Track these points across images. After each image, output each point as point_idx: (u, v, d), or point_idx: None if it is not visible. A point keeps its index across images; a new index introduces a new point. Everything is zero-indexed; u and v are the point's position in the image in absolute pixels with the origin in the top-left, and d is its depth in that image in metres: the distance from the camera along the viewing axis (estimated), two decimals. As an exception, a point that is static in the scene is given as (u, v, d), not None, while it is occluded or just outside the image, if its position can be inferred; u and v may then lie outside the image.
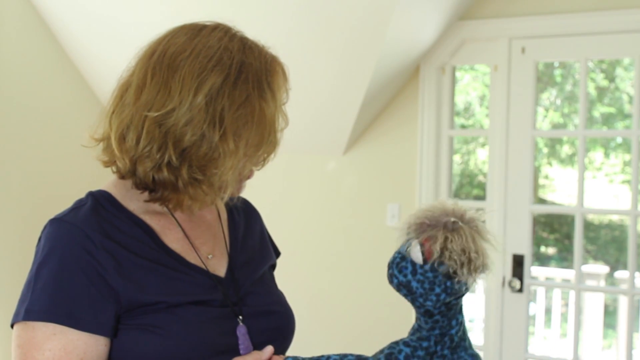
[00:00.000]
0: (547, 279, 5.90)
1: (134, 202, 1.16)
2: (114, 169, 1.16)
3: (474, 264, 1.06)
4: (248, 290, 1.21)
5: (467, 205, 1.13)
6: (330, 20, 2.72)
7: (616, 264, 7.64)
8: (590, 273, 5.96)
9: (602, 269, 6.24)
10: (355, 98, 3.00)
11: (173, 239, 1.16)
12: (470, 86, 8.25)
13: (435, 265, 1.07)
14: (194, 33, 1.15)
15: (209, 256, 1.19)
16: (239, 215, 1.32)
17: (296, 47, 2.84)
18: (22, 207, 3.07)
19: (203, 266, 1.17)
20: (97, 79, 3.34)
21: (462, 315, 1.14)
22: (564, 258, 8.49)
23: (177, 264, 1.14)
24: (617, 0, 2.89)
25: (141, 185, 1.14)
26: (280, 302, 1.27)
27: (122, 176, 1.15)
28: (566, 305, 6.15)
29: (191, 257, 1.16)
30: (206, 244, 1.21)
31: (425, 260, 1.08)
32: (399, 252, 1.12)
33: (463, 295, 1.12)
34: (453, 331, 1.12)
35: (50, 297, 1.04)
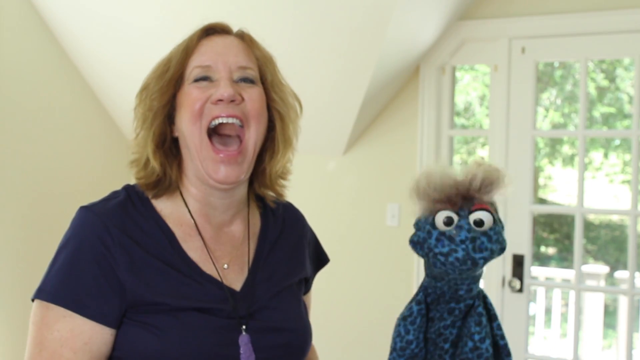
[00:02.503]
0: (547, 279, 5.90)
1: (163, 202, 1.19)
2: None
3: (499, 184, 1.07)
4: (263, 305, 1.19)
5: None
6: (330, 20, 2.72)
7: (616, 264, 7.64)
8: (590, 273, 5.96)
9: (602, 269, 6.24)
10: (355, 98, 3.00)
11: (192, 247, 1.17)
12: (470, 86, 8.25)
13: (496, 217, 1.07)
14: None
15: (224, 266, 1.19)
16: (275, 223, 1.30)
17: (296, 47, 2.84)
18: (22, 207, 3.07)
19: (218, 277, 1.17)
20: (97, 79, 3.34)
21: None
22: (564, 258, 8.49)
23: (191, 272, 1.14)
24: (617, 0, 2.89)
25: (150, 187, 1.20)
26: (296, 319, 1.23)
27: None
28: (566, 305, 6.15)
29: (207, 268, 1.17)
30: (225, 257, 1.20)
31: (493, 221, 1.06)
32: (463, 242, 1.05)
33: None
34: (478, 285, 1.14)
35: (61, 281, 1.08)
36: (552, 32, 3.00)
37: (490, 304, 1.16)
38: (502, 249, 1.08)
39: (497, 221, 1.08)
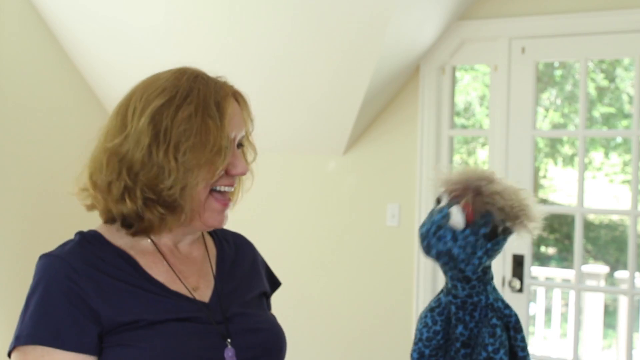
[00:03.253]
0: (547, 279, 5.90)
1: (123, 239, 1.22)
2: (99, 212, 1.23)
3: (524, 214, 1.09)
4: (235, 312, 1.24)
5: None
6: (330, 20, 2.72)
7: (616, 264, 7.64)
8: (590, 273, 5.96)
9: (602, 269, 6.24)
10: (355, 98, 3.00)
11: (158, 272, 1.21)
12: (470, 86, 8.25)
13: (477, 228, 1.09)
14: (156, 76, 1.24)
15: (194, 289, 1.23)
16: (229, 247, 1.38)
17: (296, 47, 2.84)
18: (21, 207, 3.07)
19: (188, 294, 1.21)
20: (97, 79, 3.34)
21: (493, 281, 1.18)
22: (564, 258, 8.49)
23: (160, 290, 1.19)
24: (617, 0, 2.89)
25: (124, 223, 1.20)
26: (269, 322, 1.30)
27: (106, 219, 1.22)
28: (566, 305, 6.15)
29: (175, 287, 1.21)
30: (191, 277, 1.25)
31: (466, 225, 1.09)
32: (433, 223, 1.12)
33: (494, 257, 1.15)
34: (491, 297, 1.15)
35: (36, 322, 1.10)
36: (552, 32, 3.00)
37: (516, 319, 1.17)
38: (466, 264, 1.10)
39: (477, 234, 1.09)
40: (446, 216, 1.11)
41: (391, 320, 3.29)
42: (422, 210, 3.21)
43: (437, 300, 1.18)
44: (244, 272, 1.35)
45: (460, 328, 1.15)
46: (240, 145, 1.26)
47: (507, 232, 1.11)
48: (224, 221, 1.26)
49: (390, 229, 3.28)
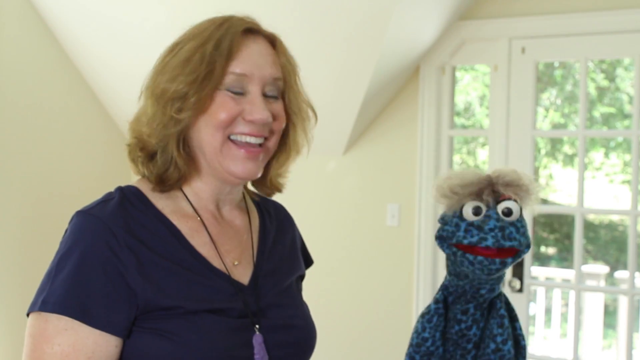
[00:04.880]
0: (547, 279, 5.90)
1: (163, 200, 1.15)
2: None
3: (534, 192, 1.12)
4: (271, 302, 1.18)
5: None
6: (330, 20, 2.72)
7: (616, 264, 7.64)
8: (590, 273, 5.96)
9: (602, 269, 6.24)
10: (355, 98, 3.00)
11: (200, 242, 1.14)
12: (470, 86, 8.24)
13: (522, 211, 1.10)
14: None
15: (235, 263, 1.17)
16: (271, 222, 1.30)
17: (296, 47, 2.84)
18: (22, 207, 3.07)
19: (226, 272, 1.14)
20: (97, 79, 3.34)
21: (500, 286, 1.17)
22: (564, 258, 8.49)
23: (201, 267, 1.12)
24: (617, 0, 2.89)
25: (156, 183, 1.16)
26: (303, 316, 1.23)
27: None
28: (566, 305, 6.15)
29: (216, 262, 1.14)
30: (233, 251, 1.18)
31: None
32: (492, 229, 1.04)
33: None
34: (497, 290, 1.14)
35: (67, 290, 1.03)
36: (552, 32, 3.00)
37: (511, 305, 1.16)
38: (528, 245, 1.08)
39: (522, 215, 1.10)
40: (499, 217, 1.06)
41: (391, 320, 3.29)
42: (422, 210, 3.21)
43: (428, 307, 1.16)
44: (283, 252, 1.27)
45: (474, 329, 1.14)
46: (273, 97, 1.17)
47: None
48: (250, 171, 1.13)
49: (390, 229, 3.29)
